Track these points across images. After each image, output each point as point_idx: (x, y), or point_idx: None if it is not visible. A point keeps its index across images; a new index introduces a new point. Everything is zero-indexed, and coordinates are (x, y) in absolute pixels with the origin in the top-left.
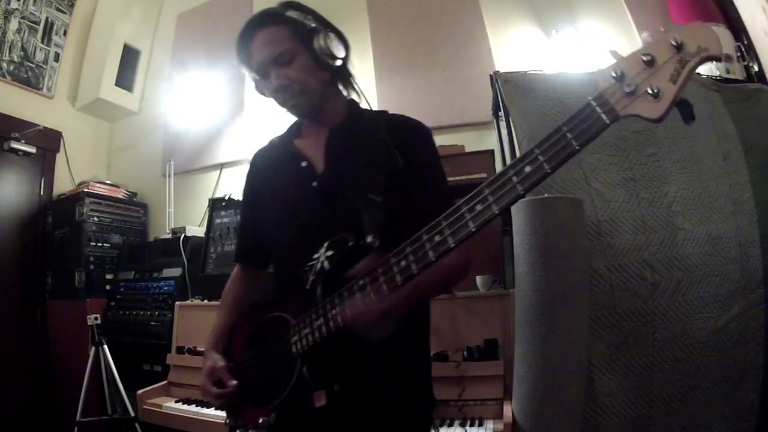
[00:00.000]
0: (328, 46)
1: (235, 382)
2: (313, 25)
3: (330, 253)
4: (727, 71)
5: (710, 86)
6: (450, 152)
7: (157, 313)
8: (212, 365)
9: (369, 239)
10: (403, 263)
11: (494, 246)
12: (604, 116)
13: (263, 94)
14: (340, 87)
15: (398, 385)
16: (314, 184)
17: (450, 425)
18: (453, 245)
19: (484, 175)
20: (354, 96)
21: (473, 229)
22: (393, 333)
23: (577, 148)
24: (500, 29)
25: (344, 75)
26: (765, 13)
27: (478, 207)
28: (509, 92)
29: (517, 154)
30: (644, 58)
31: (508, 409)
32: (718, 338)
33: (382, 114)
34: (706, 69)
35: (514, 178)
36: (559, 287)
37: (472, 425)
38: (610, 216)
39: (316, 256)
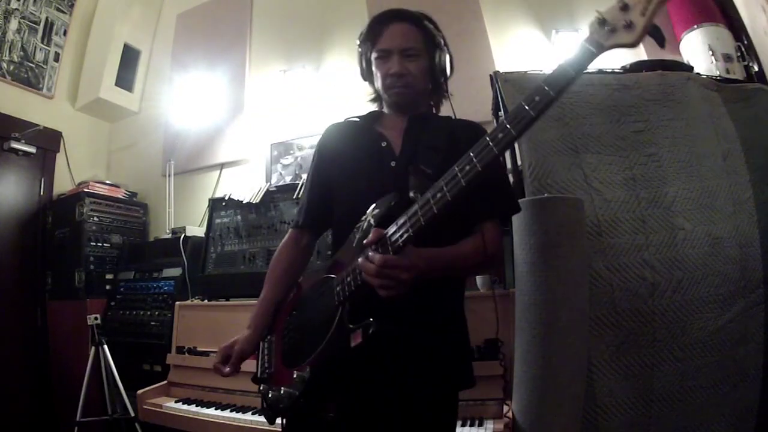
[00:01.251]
0: (444, 63)
1: (228, 370)
2: (442, 42)
3: (376, 211)
4: (727, 71)
5: (710, 86)
6: None
7: (157, 313)
8: (235, 342)
9: (411, 194)
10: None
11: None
12: (592, 48)
13: (364, 70)
14: (431, 97)
15: (434, 327)
16: (392, 163)
17: None
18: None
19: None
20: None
21: (480, 168)
22: (431, 287)
23: (573, 75)
24: (500, 29)
25: (441, 90)
26: (765, 13)
27: (500, 135)
28: (509, 92)
29: (517, 154)
30: (619, 4)
31: (508, 409)
32: (718, 338)
33: (449, 117)
34: (706, 69)
35: (527, 107)
36: (559, 287)
37: (472, 425)
38: (610, 216)
39: (364, 217)
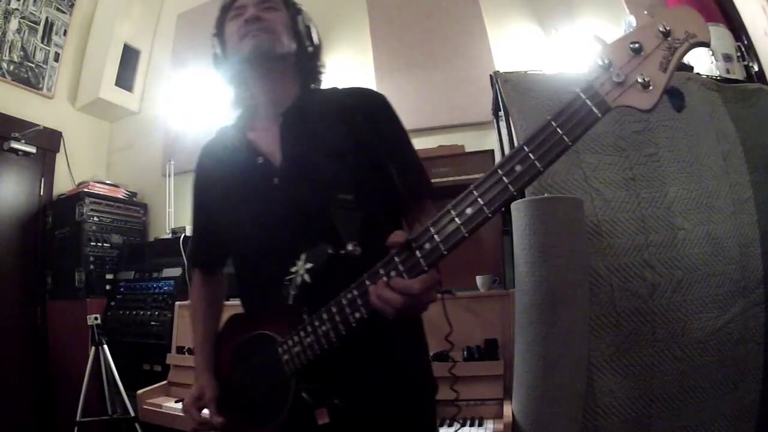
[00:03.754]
0: (308, 28)
1: (221, 419)
2: (302, 9)
3: (309, 265)
4: (727, 71)
5: (710, 86)
6: (450, 152)
7: (157, 313)
8: (201, 392)
9: (349, 248)
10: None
11: (494, 246)
12: (595, 109)
13: (219, 55)
14: (299, 73)
15: (400, 391)
16: (275, 181)
17: (450, 425)
18: (445, 252)
19: (484, 175)
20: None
21: (465, 234)
22: (388, 338)
23: (569, 144)
24: (500, 29)
25: (310, 65)
26: (765, 13)
27: (469, 211)
28: (509, 92)
29: None
30: (632, 46)
31: (508, 409)
32: (718, 338)
33: (334, 90)
34: (706, 69)
35: (505, 179)
36: (559, 287)
37: (472, 425)
38: (610, 216)
39: (294, 269)
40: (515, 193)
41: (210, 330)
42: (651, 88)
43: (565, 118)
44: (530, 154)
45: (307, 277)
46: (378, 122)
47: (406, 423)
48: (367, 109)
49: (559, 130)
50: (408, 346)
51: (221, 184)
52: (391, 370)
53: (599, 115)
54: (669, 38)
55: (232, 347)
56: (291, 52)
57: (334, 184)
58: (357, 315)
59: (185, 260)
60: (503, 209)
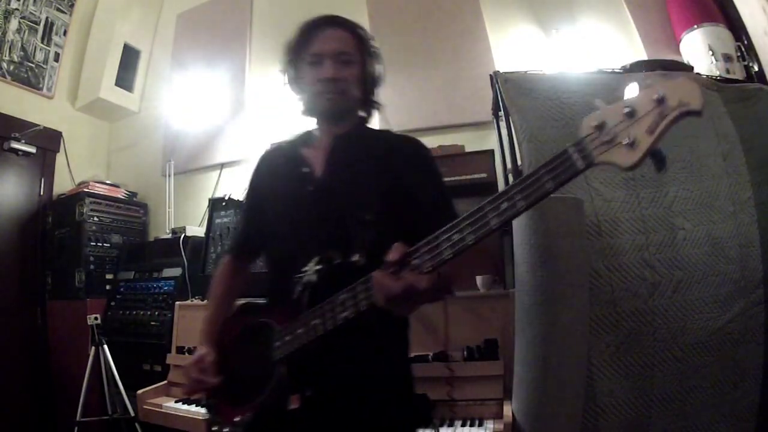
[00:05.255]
0: (376, 72)
1: (216, 380)
2: (374, 50)
3: (319, 267)
4: (727, 71)
5: (710, 86)
6: (450, 152)
7: (157, 313)
8: (203, 355)
9: (355, 258)
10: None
11: (494, 246)
12: (579, 162)
13: (292, 80)
14: (362, 108)
15: (373, 394)
16: (310, 188)
17: (450, 425)
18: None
19: (484, 175)
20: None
21: (449, 257)
22: (370, 341)
23: (550, 189)
24: (500, 29)
25: (371, 100)
26: (765, 13)
27: (456, 237)
28: (509, 92)
29: (517, 155)
30: (625, 110)
31: (508, 409)
32: (718, 338)
33: (385, 132)
34: (706, 69)
35: (490, 214)
36: (559, 287)
37: (472, 425)
38: (610, 216)
39: (305, 268)
40: (494, 228)
41: (222, 310)
42: (635, 147)
43: (553, 166)
44: (515, 195)
45: (314, 277)
46: (417, 162)
47: (373, 424)
48: (409, 152)
49: (545, 176)
50: (389, 351)
51: (271, 187)
52: (366, 372)
53: (582, 167)
54: (662, 105)
55: (237, 330)
56: (360, 98)
57: (358, 202)
58: (344, 314)
59: (185, 261)
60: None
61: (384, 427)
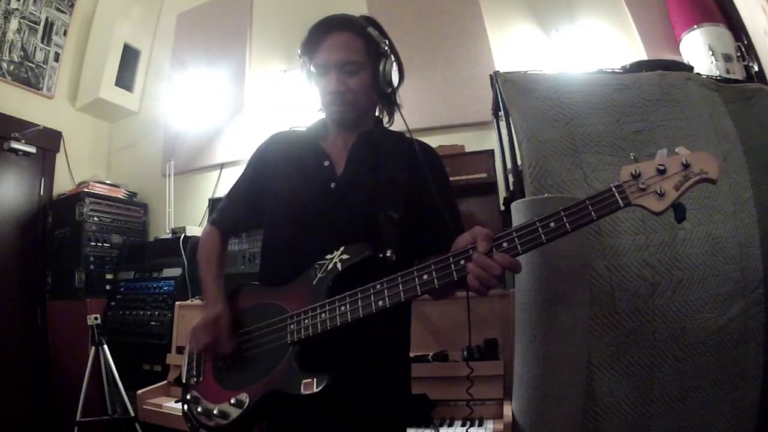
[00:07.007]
0: (389, 72)
1: (232, 345)
2: (386, 49)
3: (345, 256)
4: (727, 71)
5: (710, 86)
6: (450, 152)
7: (157, 313)
8: (219, 315)
9: (387, 253)
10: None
11: None
12: (620, 201)
13: (309, 81)
14: (379, 108)
15: (379, 386)
16: (332, 185)
17: (450, 425)
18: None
19: (484, 175)
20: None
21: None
22: (383, 332)
23: (595, 218)
24: (500, 29)
25: (390, 101)
26: (765, 13)
27: (509, 243)
28: (509, 92)
29: (517, 154)
30: (659, 167)
31: (508, 409)
32: (718, 338)
33: (401, 134)
34: (706, 69)
35: (540, 230)
36: (559, 287)
37: (472, 425)
38: (610, 216)
39: (329, 256)
40: (545, 242)
41: (221, 272)
42: (664, 198)
43: (597, 200)
44: (564, 218)
45: (339, 265)
46: (433, 172)
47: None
48: (427, 159)
49: (590, 206)
50: (394, 346)
51: (283, 170)
52: (374, 365)
53: (622, 205)
54: (687, 169)
55: (241, 310)
56: (374, 101)
57: (387, 201)
58: (380, 303)
59: (185, 261)
60: (507, 212)
61: (383, 422)
